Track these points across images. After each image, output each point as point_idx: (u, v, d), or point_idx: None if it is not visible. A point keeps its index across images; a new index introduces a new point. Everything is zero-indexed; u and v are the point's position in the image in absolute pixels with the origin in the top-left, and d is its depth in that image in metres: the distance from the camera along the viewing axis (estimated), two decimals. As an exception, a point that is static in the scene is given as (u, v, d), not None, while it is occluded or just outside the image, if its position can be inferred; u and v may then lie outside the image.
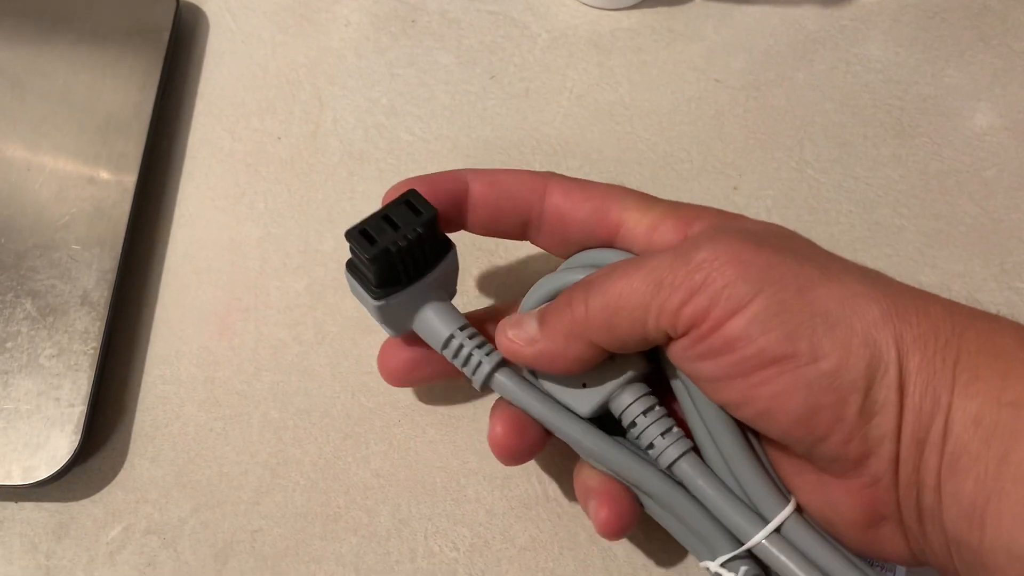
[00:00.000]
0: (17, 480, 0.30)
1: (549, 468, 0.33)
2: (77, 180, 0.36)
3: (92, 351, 0.33)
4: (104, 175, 0.36)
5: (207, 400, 0.34)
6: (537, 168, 0.36)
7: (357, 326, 0.35)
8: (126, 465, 0.33)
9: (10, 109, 0.37)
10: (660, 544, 0.32)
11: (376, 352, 0.31)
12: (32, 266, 0.34)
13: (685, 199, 0.36)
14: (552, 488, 0.33)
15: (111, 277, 0.34)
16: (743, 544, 0.25)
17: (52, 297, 0.33)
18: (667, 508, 0.27)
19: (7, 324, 0.33)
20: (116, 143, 0.36)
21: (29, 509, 0.32)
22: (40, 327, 0.33)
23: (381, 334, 0.30)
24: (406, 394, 0.34)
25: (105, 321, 0.33)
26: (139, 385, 0.34)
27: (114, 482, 0.32)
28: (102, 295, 0.34)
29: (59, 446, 0.31)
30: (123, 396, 0.34)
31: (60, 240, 0.34)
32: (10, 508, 0.32)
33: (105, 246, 0.34)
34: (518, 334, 0.27)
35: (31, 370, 0.32)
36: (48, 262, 0.34)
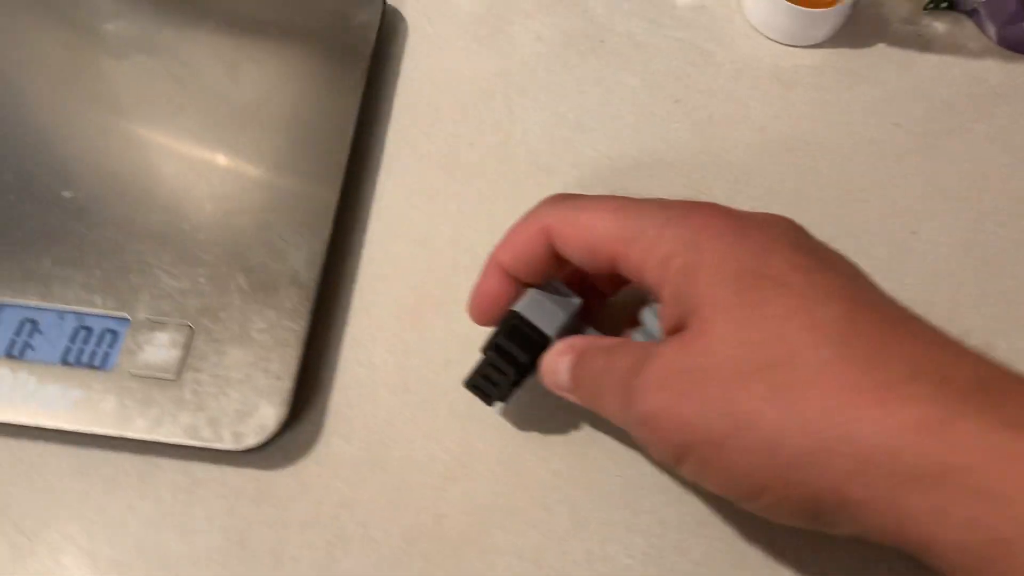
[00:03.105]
0: (228, 444, 0.32)
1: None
2: (291, 167, 0.38)
3: (300, 329, 0.34)
4: (315, 164, 0.38)
5: (398, 385, 0.35)
6: (720, 194, 0.38)
7: (541, 330, 0.36)
8: (321, 441, 0.34)
9: (228, 97, 0.39)
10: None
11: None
12: (246, 243, 0.36)
13: (864, 239, 0.37)
14: (726, 508, 0.33)
15: (319, 260, 0.36)
16: None
17: (264, 274, 0.35)
18: None
19: (221, 295, 0.35)
20: (326, 134, 0.38)
21: (230, 473, 0.34)
22: (252, 301, 0.35)
23: None
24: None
25: (313, 301, 0.35)
26: (336, 365, 0.36)
27: (309, 456, 0.34)
28: (311, 276, 0.35)
29: (267, 416, 0.33)
30: (321, 374, 0.35)
31: (273, 222, 0.36)
32: (213, 470, 0.34)
33: (314, 230, 0.36)
34: (554, 381, 0.30)
35: (243, 341, 0.34)
36: (261, 241, 0.36)
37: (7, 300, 0.34)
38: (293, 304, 0.35)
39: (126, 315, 0.34)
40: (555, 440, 0.34)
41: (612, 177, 0.40)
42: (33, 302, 0.34)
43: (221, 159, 0.38)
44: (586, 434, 0.35)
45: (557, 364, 0.30)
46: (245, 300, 0.35)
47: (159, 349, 0.34)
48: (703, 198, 0.38)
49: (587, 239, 0.28)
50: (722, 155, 0.41)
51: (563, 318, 0.31)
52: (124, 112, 0.39)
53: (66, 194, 0.37)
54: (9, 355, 0.33)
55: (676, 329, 0.27)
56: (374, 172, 0.40)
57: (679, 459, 0.26)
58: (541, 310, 0.31)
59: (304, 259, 0.36)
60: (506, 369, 0.31)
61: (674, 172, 0.40)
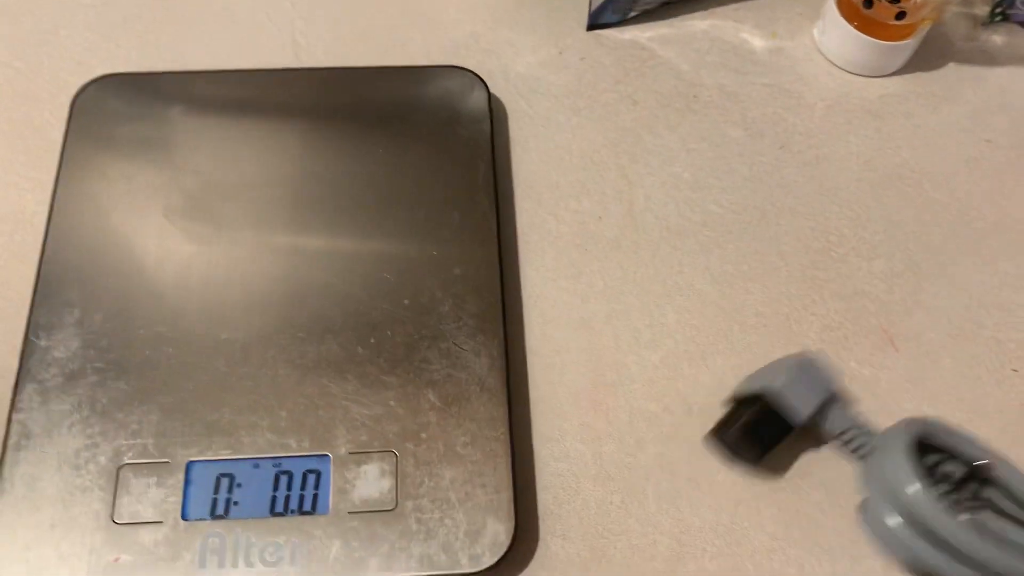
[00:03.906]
0: (466, 568, 0.32)
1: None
2: (446, 270, 0.37)
3: (503, 436, 0.34)
4: (468, 263, 0.37)
5: (599, 475, 0.36)
6: (847, 232, 0.39)
7: (718, 394, 0.37)
8: (541, 545, 0.34)
9: (360, 206, 0.39)
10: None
11: None
12: (424, 357, 0.35)
13: (985, 253, 0.39)
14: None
15: (500, 362, 0.36)
16: None
17: (452, 386, 0.35)
18: None
19: (416, 415, 0.34)
20: (472, 232, 0.38)
21: (462, 593, 0.33)
22: (447, 416, 0.34)
23: None
24: (788, 460, 0.36)
25: (506, 406, 0.35)
26: (533, 464, 0.36)
27: (534, 562, 0.34)
28: (497, 380, 0.35)
29: (497, 532, 0.32)
30: (523, 477, 0.35)
31: (444, 330, 0.36)
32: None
33: (486, 332, 0.36)
34: None
35: (451, 459, 0.34)
36: (438, 352, 0.36)
37: (196, 457, 0.33)
38: (488, 412, 0.35)
39: (326, 452, 0.33)
40: (764, 504, 0.35)
41: (742, 230, 0.41)
42: (223, 455, 0.33)
43: (376, 273, 0.37)
44: (789, 495, 0.35)
45: None
46: (441, 416, 0.34)
47: (370, 482, 0.33)
48: (831, 238, 0.39)
49: None
50: (837, 193, 0.42)
51: (815, 398, 0.33)
52: (272, 237, 0.38)
53: (224, 336, 0.35)
54: (215, 515, 0.32)
55: None
56: (515, 260, 0.40)
57: None
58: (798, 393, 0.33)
59: (486, 364, 0.35)
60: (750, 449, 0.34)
61: (798, 217, 0.41)
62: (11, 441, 0.33)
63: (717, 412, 0.36)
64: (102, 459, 0.33)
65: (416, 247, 0.38)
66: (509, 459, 0.34)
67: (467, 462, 0.34)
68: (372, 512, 0.32)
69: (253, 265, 0.37)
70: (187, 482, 0.33)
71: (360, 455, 0.33)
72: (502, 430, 0.34)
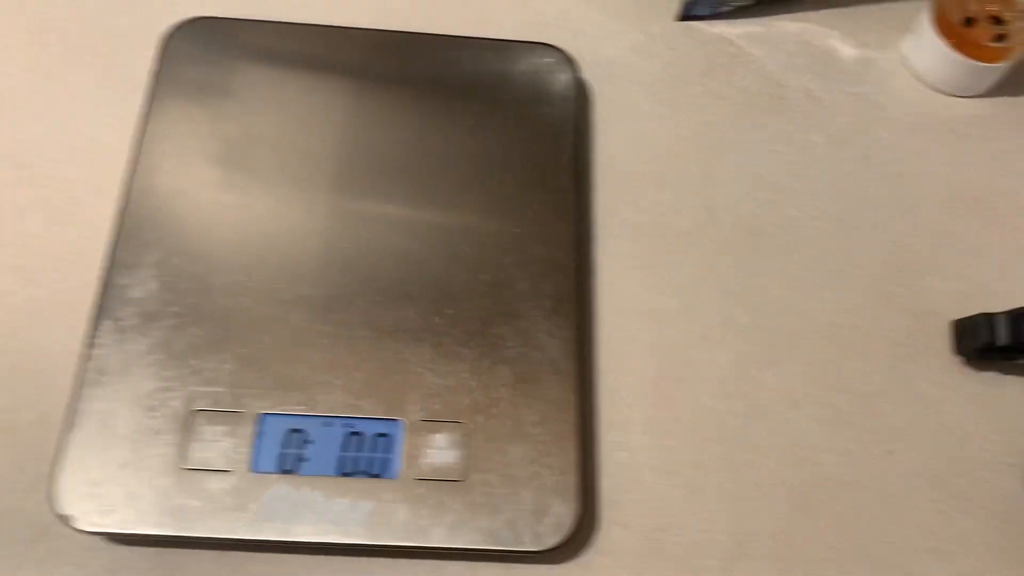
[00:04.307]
0: (530, 546, 0.32)
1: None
2: (524, 249, 0.37)
3: (571, 419, 0.34)
4: (546, 243, 0.37)
5: (662, 468, 0.36)
6: (924, 251, 0.39)
7: (785, 399, 0.37)
8: (602, 531, 0.34)
9: (447, 173, 0.38)
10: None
11: (805, 425, 0.35)
12: (498, 333, 0.35)
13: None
14: None
15: (573, 346, 0.35)
16: None
17: (524, 365, 0.35)
18: None
19: (488, 390, 0.34)
20: (551, 212, 0.38)
21: (519, 572, 0.33)
22: (519, 395, 0.34)
23: (811, 408, 0.34)
24: (844, 467, 0.36)
25: (576, 390, 0.35)
26: (598, 451, 0.36)
27: (594, 547, 0.34)
28: (569, 363, 0.35)
29: (563, 513, 0.33)
30: (588, 462, 0.35)
31: (520, 309, 0.36)
32: (501, 570, 0.33)
33: (562, 314, 0.36)
34: None
35: (520, 437, 0.34)
36: (513, 330, 0.35)
37: (268, 410, 0.33)
38: (558, 394, 0.35)
39: (398, 418, 0.33)
40: (821, 513, 0.35)
41: (819, 238, 0.41)
42: (296, 411, 0.33)
43: (456, 247, 0.37)
44: (846, 504, 0.35)
45: None
46: (512, 394, 0.34)
47: (440, 451, 0.33)
48: (908, 256, 0.39)
49: None
50: (917, 211, 0.42)
51: None
52: (355, 200, 0.38)
53: (303, 291, 0.35)
54: (284, 470, 0.32)
55: None
56: (590, 246, 0.40)
57: None
58: None
59: (559, 346, 0.35)
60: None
61: (877, 231, 0.41)
62: (87, 376, 0.33)
63: (782, 416, 0.36)
64: (175, 403, 0.33)
65: (496, 222, 0.38)
66: (577, 442, 0.34)
67: (536, 441, 0.34)
68: (440, 481, 0.33)
69: (335, 224, 0.37)
70: (258, 434, 0.33)
71: (431, 423, 0.33)
72: (572, 413, 0.34)
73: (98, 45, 0.42)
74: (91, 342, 0.34)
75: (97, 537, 0.31)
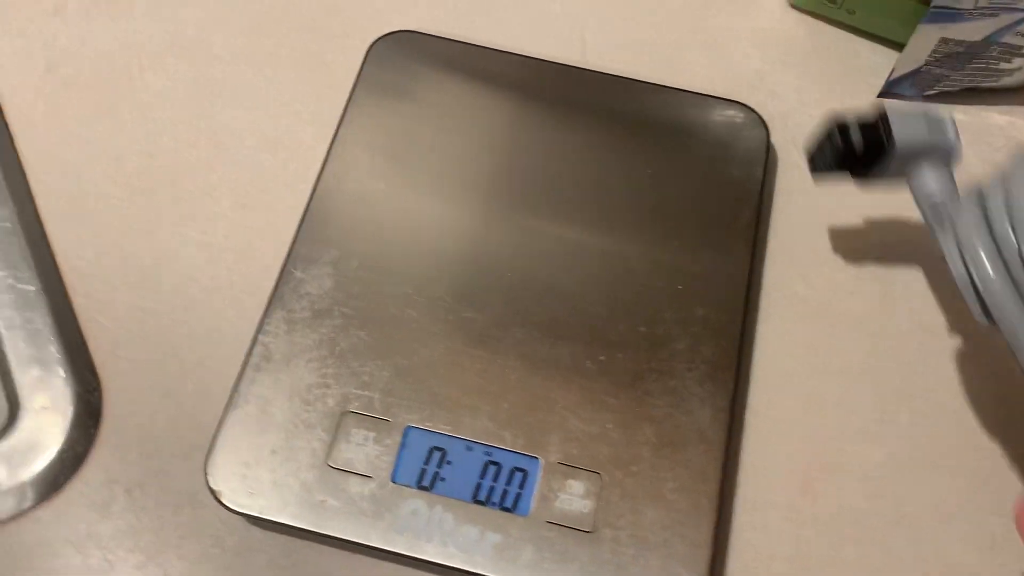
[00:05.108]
0: (650, 613, 0.31)
1: None
2: (687, 311, 0.36)
3: (713, 491, 0.33)
4: (711, 306, 0.37)
5: (795, 560, 0.34)
6: None
7: (938, 510, 0.35)
8: (723, 610, 0.33)
9: (623, 218, 0.38)
10: None
11: (955, 544, 0.33)
12: (649, 389, 0.35)
13: None
14: None
15: (724, 416, 0.35)
16: None
17: (671, 427, 0.34)
18: None
19: (630, 445, 0.34)
20: (721, 274, 0.37)
21: (633, 635, 0.33)
22: (661, 456, 0.34)
23: (963, 526, 0.33)
24: None
25: (722, 462, 0.34)
26: (730, 527, 0.35)
27: (712, 626, 0.33)
28: (719, 435, 0.34)
29: (688, 586, 0.32)
30: (720, 537, 0.34)
31: (675, 369, 0.35)
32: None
33: (716, 383, 0.35)
34: None
35: (656, 499, 0.33)
36: (665, 388, 0.35)
37: (415, 423, 0.34)
38: (702, 464, 0.34)
39: (537, 456, 0.33)
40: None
41: (999, 349, 0.38)
42: (440, 429, 0.34)
43: (619, 293, 0.37)
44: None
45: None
46: (654, 454, 0.34)
47: (573, 498, 0.33)
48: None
49: None
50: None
51: (922, 138, 0.33)
52: (526, 232, 0.38)
53: (466, 313, 0.36)
54: (420, 485, 0.33)
55: None
56: (753, 315, 0.39)
57: None
58: (905, 123, 0.33)
59: (709, 415, 0.35)
60: (837, 146, 0.35)
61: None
62: (252, 360, 0.35)
63: (931, 529, 0.34)
64: (330, 401, 0.34)
65: (663, 275, 0.37)
66: (715, 518, 0.33)
67: (672, 508, 0.33)
68: (570, 528, 0.32)
69: (507, 252, 0.37)
70: (402, 445, 0.33)
71: (569, 468, 0.33)
72: (714, 486, 0.33)
73: (309, 45, 0.44)
74: (261, 328, 0.35)
75: (238, 517, 0.33)
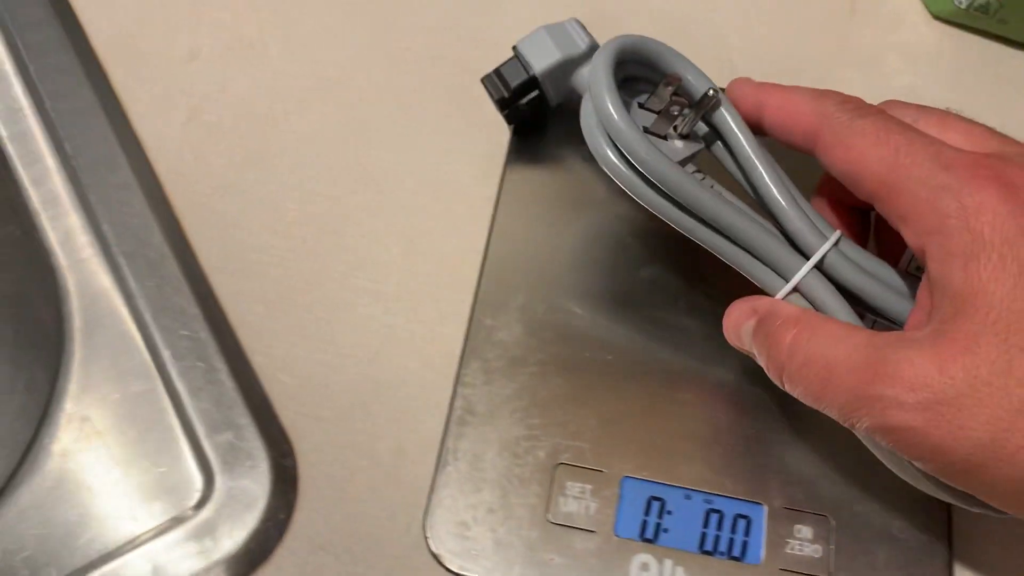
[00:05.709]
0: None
1: None
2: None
3: (941, 531, 0.32)
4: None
5: (1024, 589, 0.33)
6: None
7: None
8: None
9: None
10: None
11: None
12: (861, 424, 0.34)
13: None
14: None
15: (941, 450, 0.34)
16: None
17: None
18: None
19: (851, 486, 0.33)
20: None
21: None
22: (884, 492, 0.33)
23: None
24: None
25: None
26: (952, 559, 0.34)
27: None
28: (939, 469, 0.33)
29: (933, 630, 0.31)
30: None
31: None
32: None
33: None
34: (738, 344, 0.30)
35: (887, 540, 0.32)
36: (877, 423, 0.34)
37: (630, 473, 0.33)
38: (926, 497, 0.33)
39: (759, 501, 0.32)
40: None
41: None
42: (656, 478, 0.33)
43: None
44: None
45: (739, 328, 0.30)
46: (878, 491, 0.33)
47: (804, 543, 0.32)
48: None
49: (852, 169, 0.28)
50: None
51: (557, 56, 0.33)
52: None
53: (661, 355, 0.35)
54: (644, 538, 0.32)
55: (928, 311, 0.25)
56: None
57: (924, 464, 0.26)
58: (534, 49, 0.33)
59: (926, 447, 0.33)
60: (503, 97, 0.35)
61: None
62: (455, 414, 0.34)
63: None
64: (541, 453, 0.33)
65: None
66: (949, 558, 0.32)
67: (903, 547, 0.32)
68: (806, 575, 0.31)
69: (695, 291, 0.36)
70: (620, 497, 0.32)
71: (795, 512, 0.32)
72: (941, 524, 0.32)
73: (455, 79, 0.42)
74: (459, 379, 0.34)
75: (460, 578, 0.32)
